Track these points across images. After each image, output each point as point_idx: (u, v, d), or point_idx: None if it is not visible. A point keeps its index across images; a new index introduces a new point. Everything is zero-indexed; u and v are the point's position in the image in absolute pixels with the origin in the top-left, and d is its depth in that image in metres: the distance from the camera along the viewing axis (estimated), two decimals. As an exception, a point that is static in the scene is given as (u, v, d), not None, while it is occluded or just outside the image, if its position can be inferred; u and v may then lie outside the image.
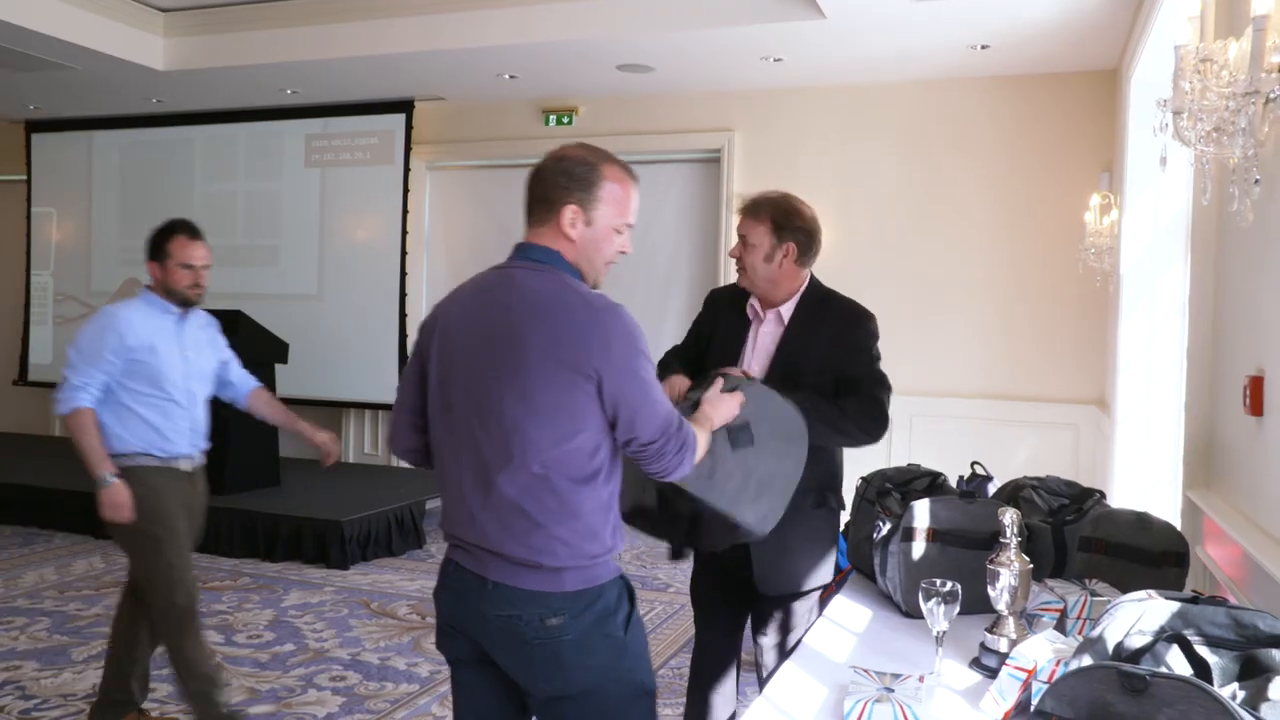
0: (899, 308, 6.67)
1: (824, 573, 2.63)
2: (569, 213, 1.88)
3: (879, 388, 2.50)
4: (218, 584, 5.30)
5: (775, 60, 6.33)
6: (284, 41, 6.64)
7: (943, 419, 6.58)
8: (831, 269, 6.52)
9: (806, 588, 2.59)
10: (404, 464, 7.67)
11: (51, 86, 7.55)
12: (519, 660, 1.85)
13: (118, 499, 3.13)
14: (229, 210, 8.19)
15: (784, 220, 2.53)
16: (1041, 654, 1.61)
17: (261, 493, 6.47)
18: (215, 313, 6.97)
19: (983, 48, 5.88)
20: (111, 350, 3.14)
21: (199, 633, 3.32)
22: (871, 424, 2.46)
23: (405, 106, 7.61)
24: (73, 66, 6.89)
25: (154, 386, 3.20)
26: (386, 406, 7.76)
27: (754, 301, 2.64)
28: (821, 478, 2.54)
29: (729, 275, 7.15)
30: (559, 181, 1.90)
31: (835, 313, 2.58)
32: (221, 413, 6.33)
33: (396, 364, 7.60)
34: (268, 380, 6.73)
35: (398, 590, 5.29)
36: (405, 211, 7.64)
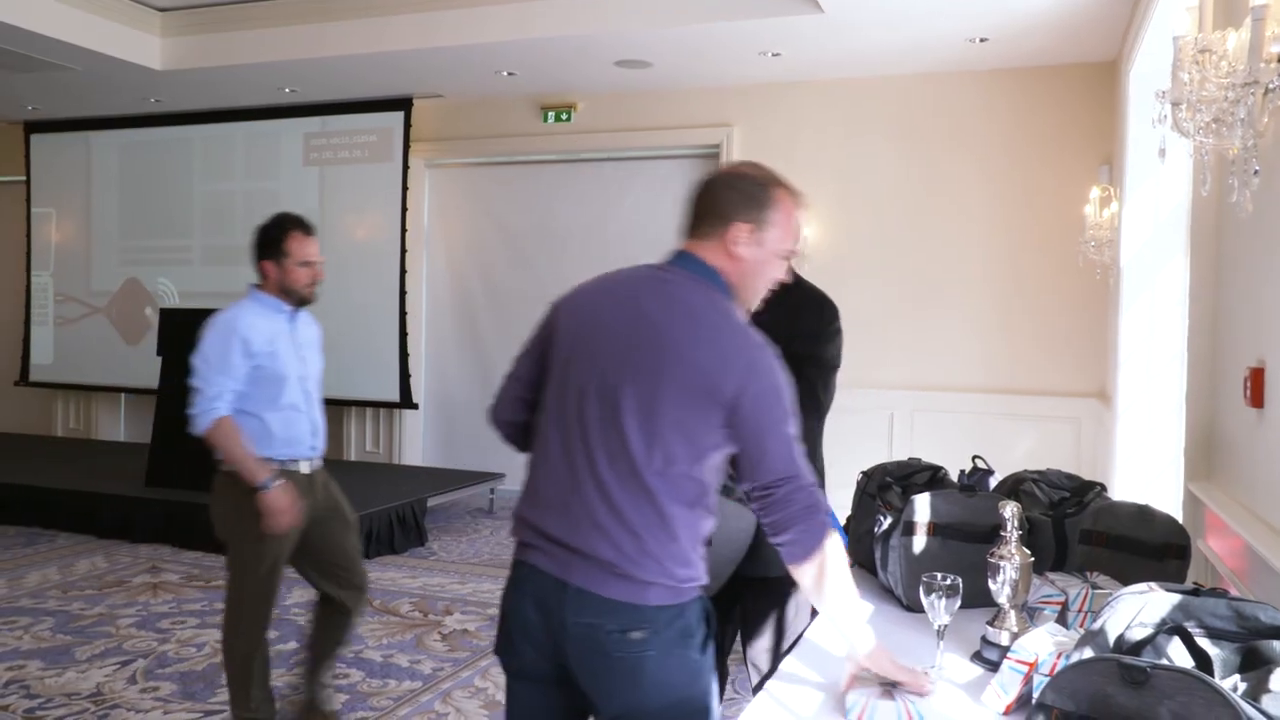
0: (898, 303, 6.68)
1: None
2: (742, 231, 1.83)
3: (812, 368, 2.49)
4: (220, 583, 5.31)
5: (773, 55, 6.33)
6: (281, 40, 6.64)
7: (942, 413, 6.58)
8: (829, 263, 6.56)
9: (777, 573, 2.57)
10: (407, 461, 7.72)
11: (50, 87, 7.55)
12: (595, 672, 1.76)
13: (281, 503, 3.00)
14: (228, 210, 8.21)
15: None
16: (1043, 647, 1.61)
17: (263, 491, 6.48)
18: (210, 312, 7.02)
19: (981, 41, 5.88)
20: (239, 355, 3.05)
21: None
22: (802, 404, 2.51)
23: (404, 104, 7.61)
24: (71, 67, 6.89)
25: (275, 390, 3.10)
26: (387, 404, 7.78)
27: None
28: None
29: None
30: (733, 198, 1.84)
31: (795, 297, 2.60)
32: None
33: (397, 362, 7.63)
34: (268, 379, 6.75)
35: (400, 588, 5.30)
36: (404, 209, 7.65)
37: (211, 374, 3.04)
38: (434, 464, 7.84)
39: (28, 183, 9.04)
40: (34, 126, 8.94)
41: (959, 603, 1.83)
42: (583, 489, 1.75)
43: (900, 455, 6.75)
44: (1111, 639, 1.38)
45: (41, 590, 5.14)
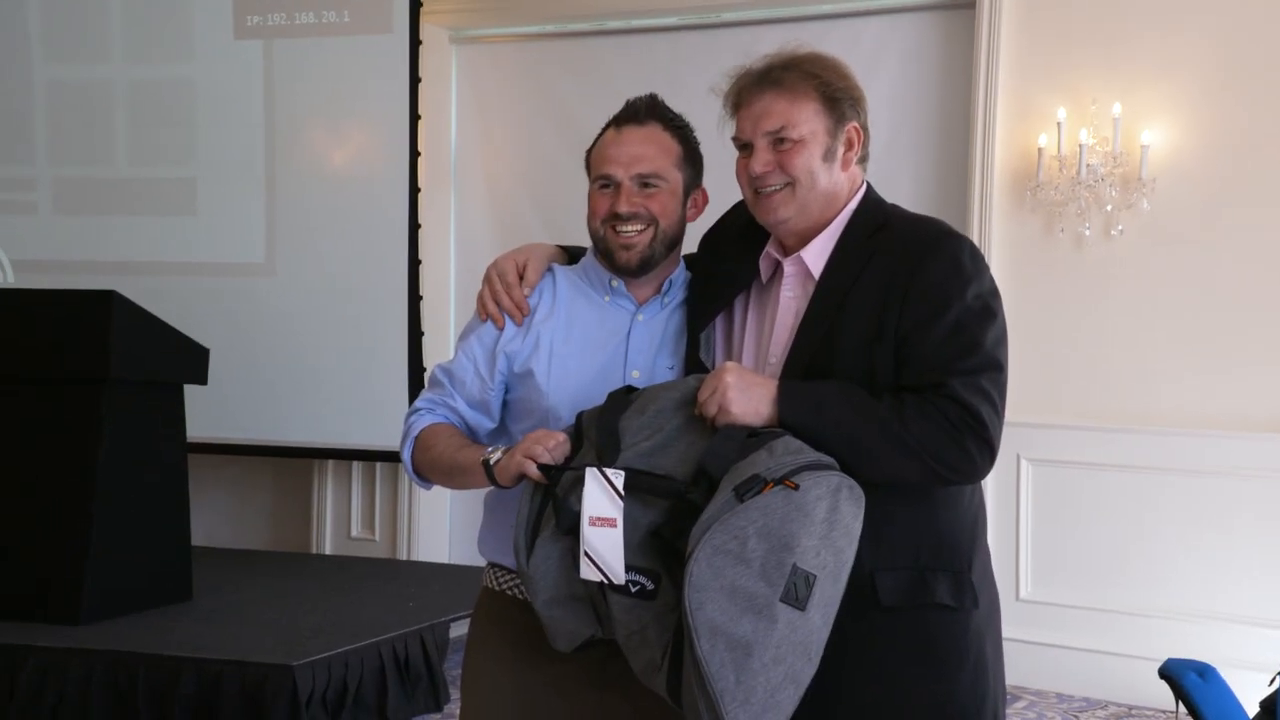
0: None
1: None
2: None
3: (970, 383, 1.38)
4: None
5: None
6: None
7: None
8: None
9: None
10: (421, 556, 4.77)
11: None
12: None
13: None
14: (101, 115, 5.46)
15: (840, 85, 1.54)
16: None
17: (155, 616, 4.22)
18: (78, 293, 4.86)
19: None
20: None
21: None
22: (948, 441, 1.38)
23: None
24: None
25: None
26: (386, 456, 4.98)
27: (771, 247, 1.62)
28: (920, 538, 1.44)
29: (981, 187, 4.25)
30: None
31: (891, 245, 1.49)
32: (69, 493, 4.21)
33: (406, 382, 4.91)
34: (173, 410, 4.42)
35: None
36: (415, 116, 4.99)
37: None
38: (462, 560, 5.04)
39: None
40: None
41: None
42: None
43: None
44: None
45: None
